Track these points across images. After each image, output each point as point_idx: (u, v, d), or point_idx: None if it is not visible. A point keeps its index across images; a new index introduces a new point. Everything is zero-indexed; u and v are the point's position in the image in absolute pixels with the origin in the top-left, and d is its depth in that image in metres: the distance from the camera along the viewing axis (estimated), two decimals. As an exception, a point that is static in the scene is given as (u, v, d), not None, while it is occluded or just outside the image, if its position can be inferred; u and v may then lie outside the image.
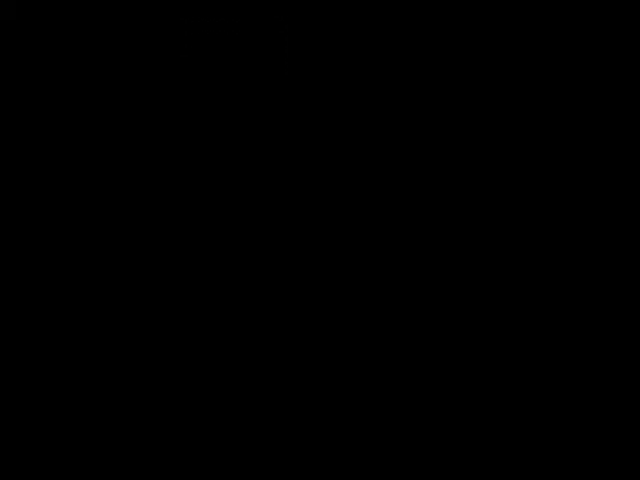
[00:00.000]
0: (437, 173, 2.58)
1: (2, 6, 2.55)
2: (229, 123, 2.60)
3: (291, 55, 2.60)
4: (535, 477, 2.51)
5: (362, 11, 2.60)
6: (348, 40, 2.60)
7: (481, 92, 2.59)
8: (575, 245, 2.57)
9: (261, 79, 2.60)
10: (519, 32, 2.58)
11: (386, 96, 2.59)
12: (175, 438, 2.51)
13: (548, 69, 2.58)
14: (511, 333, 2.55)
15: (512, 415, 2.53)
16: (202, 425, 2.51)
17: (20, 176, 2.56)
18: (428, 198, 2.57)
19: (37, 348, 2.53)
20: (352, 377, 2.54)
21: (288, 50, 2.60)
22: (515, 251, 2.57)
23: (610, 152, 2.57)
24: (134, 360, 2.52)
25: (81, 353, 2.53)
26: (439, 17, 2.59)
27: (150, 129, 2.58)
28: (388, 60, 2.60)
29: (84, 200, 2.57)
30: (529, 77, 2.58)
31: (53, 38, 2.57)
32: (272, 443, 2.51)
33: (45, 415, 2.51)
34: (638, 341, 2.53)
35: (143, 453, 2.51)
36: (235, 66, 2.60)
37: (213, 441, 2.51)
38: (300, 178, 2.58)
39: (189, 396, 2.52)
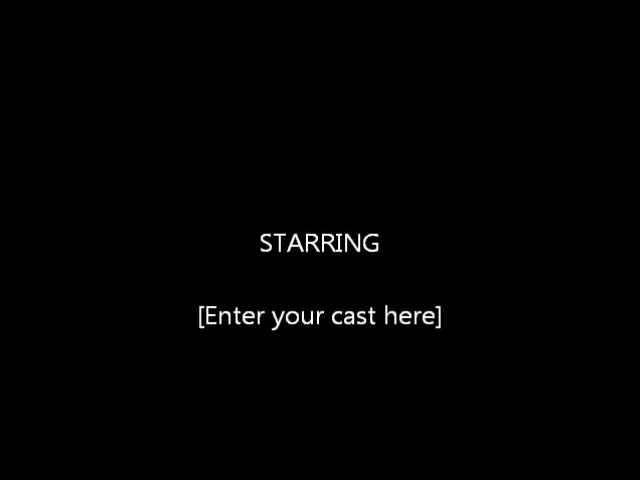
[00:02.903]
0: (437, 175, 2.58)
1: (2, 8, 2.56)
2: (230, 122, 2.60)
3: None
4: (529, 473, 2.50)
5: (361, 11, 2.61)
6: (347, 40, 2.61)
7: (480, 92, 2.58)
8: (574, 243, 2.56)
9: (262, 78, 2.60)
10: (518, 32, 2.58)
11: (384, 95, 2.60)
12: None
13: (547, 69, 2.58)
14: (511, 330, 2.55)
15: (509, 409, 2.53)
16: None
17: (20, 176, 2.58)
18: (427, 201, 2.57)
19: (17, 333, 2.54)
20: None
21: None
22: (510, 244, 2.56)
23: (610, 152, 2.57)
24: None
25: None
26: (437, 17, 2.59)
27: (150, 128, 2.59)
28: (386, 59, 2.60)
29: (84, 199, 2.58)
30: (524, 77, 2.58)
31: (53, 38, 2.58)
32: None
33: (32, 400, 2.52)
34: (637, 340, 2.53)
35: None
36: (237, 64, 2.61)
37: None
38: (300, 175, 2.59)
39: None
